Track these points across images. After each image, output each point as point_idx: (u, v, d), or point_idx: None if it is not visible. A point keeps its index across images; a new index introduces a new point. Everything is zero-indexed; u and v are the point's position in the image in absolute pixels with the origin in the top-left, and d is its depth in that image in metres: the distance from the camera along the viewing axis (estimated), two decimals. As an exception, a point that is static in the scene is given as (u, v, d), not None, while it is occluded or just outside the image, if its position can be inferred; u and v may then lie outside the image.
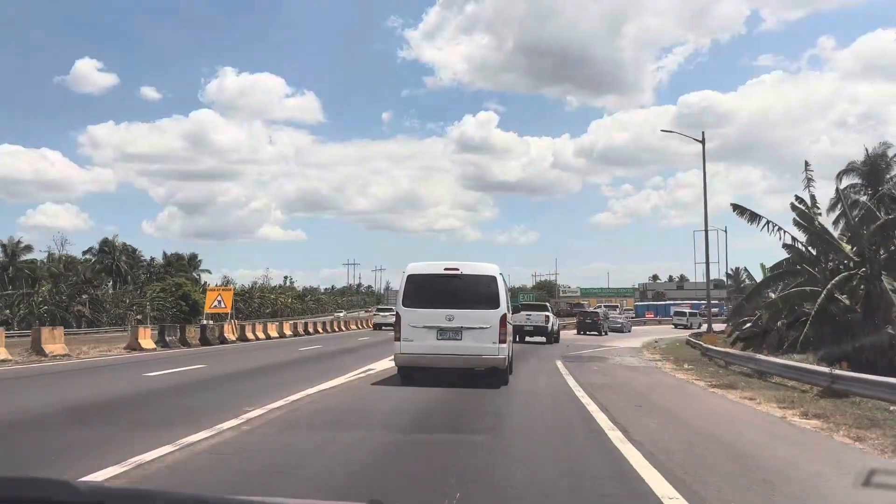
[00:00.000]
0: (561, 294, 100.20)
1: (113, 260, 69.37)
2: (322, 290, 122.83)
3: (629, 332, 47.13)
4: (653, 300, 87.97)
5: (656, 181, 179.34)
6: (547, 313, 28.70)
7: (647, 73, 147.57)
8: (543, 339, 27.35)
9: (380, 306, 55.50)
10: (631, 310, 78.88)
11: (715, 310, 79.33)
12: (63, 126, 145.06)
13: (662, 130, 53.24)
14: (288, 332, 34.46)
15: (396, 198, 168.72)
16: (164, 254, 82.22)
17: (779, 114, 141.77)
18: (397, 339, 11.12)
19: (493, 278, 11.25)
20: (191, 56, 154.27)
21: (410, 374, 11.16)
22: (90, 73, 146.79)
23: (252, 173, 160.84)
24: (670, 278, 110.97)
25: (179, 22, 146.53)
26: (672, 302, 77.34)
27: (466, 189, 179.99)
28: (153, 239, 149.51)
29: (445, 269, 11.31)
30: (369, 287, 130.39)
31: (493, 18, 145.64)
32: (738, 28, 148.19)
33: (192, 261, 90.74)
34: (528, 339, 27.37)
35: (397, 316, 11.23)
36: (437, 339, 10.84)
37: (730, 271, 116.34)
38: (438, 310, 10.82)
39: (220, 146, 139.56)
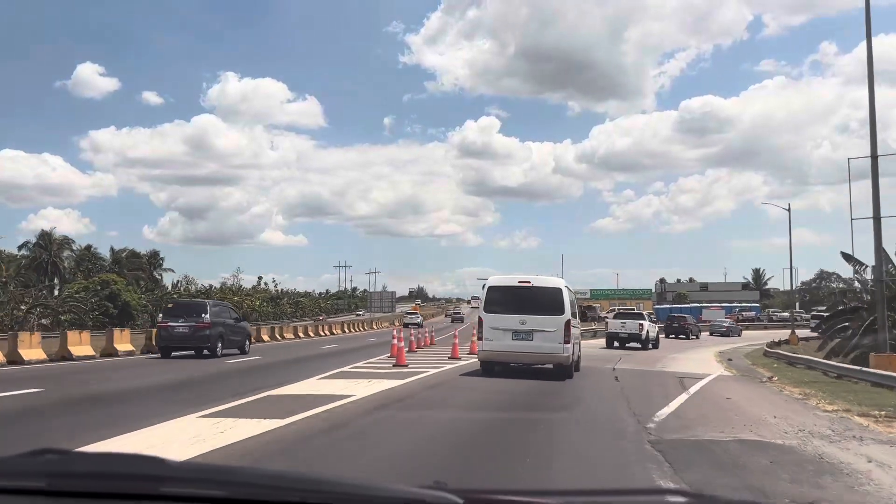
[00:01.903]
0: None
1: (50, 255, 63.60)
2: (317, 294, 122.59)
3: (738, 335, 46.23)
4: (674, 302, 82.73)
5: (658, 186, 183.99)
6: (642, 321, 30.09)
7: (649, 78, 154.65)
8: (639, 345, 29.07)
9: (407, 311, 76.66)
10: (652, 313, 73.63)
11: (751, 313, 75.41)
12: (65, 131, 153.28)
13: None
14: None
15: (398, 203, 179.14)
16: (112, 249, 76.24)
17: (781, 119, 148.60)
18: (479, 338, 14.31)
19: (560, 290, 14.08)
20: (193, 61, 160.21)
21: (492, 367, 14.15)
22: (92, 78, 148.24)
23: (253, 178, 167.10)
24: (690, 280, 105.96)
25: (181, 27, 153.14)
26: (698, 305, 72.18)
27: (468, 194, 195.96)
28: (154, 244, 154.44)
29: (519, 281, 14.32)
30: (364, 291, 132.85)
31: (494, 23, 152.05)
32: (741, 33, 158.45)
33: (154, 259, 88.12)
34: (626, 345, 29.20)
35: (479, 320, 14.31)
36: (513, 339, 13.74)
37: (744, 277, 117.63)
38: (513, 315, 13.74)
39: (222, 151, 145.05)
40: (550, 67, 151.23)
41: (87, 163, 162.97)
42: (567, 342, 13.68)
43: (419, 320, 65.41)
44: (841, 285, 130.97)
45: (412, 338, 24.49)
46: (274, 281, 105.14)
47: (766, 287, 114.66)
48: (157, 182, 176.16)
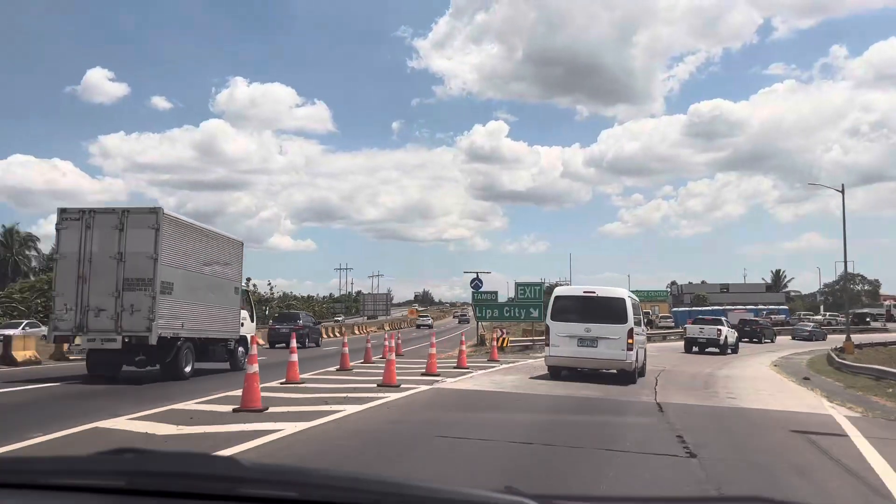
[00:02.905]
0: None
1: (11, 254, 59.33)
2: (320, 298, 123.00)
3: (823, 339, 43.86)
4: (692, 305, 78.10)
5: (667, 191, 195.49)
6: (720, 326, 30.86)
7: (657, 81, 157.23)
8: (717, 350, 29.84)
9: (421, 313, 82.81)
10: (669, 316, 69.11)
11: (781, 316, 70.72)
12: (74, 136, 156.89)
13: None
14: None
15: (406, 207, 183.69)
16: None
17: (791, 123, 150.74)
18: (547, 344, 15.53)
19: (623, 300, 15.27)
20: (201, 66, 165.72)
21: (559, 371, 15.38)
22: (101, 83, 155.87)
23: (262, 183, 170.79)
24: (703, 283, 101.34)
25: (190, 32, 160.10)
26: (720, 307, 67.58)
27: (476, 198, 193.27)
28: None
29: (584, 291, 15.78)
30: (359, 293, 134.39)
31: (502, 28, 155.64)
32: (750, 37, 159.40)
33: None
34: (705, 350, 30.13)
35: (546, 327, 15.73)
36: (578, 345, 14.95)
37: (762, 279, 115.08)
38: (579, 323, 15.00)
39: (231, 156, 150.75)
40: (559, 72, 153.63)
41: (96, 168, 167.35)
42: (630, 349, 14.68)
43: (430, 322, 70.91)
44: (866, 287, 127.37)
45: (389, 343, 20.00)
46: (269, 284, 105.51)
47: (787, 289, 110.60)
48: (165, 187, 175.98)
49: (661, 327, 61.79)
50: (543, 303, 26.14)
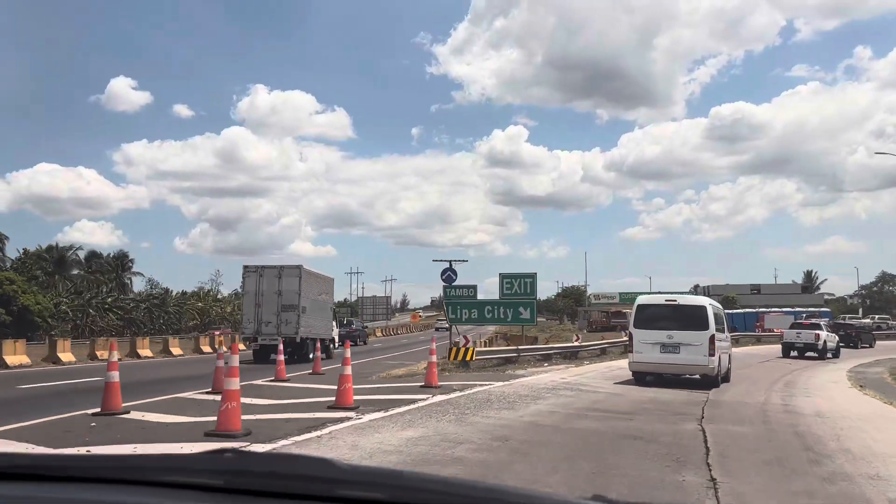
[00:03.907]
0: (592, 301, 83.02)
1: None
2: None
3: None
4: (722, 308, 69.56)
5: (688, 195, 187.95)
6: (818, 330, 30.71)
7: (678, 85, 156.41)
8: (816, 354, 29.68)
9: (440, 319, 79.47)
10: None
11: (823, 320, 62.51)
12: (98, 144, 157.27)
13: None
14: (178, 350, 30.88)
15: (425, 213, 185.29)
16: (25, 252, 66.02)
17: (814, 125, 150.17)
18: (630, 350, 16.41)
19: (704, 307, 15.83)
20: (223, 74, 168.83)
21: (643, 377, 16.01)
22: (125, 92, 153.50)
23: (283, 190, 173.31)
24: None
25: (211, 40, 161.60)
26: (753, 310, 59.63)
27: (495, 203, 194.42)
28: (185, 256, 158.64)
29: (666, 300, 16.54)
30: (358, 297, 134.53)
31: (522, 33, 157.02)
32: (773, 39, 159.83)
33: (122, 261, 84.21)
34: (805, 354, 30.08)
35: (630, 334, 16.54)
36: (661, 352, 15.61)
37: (792, 280, 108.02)
38: (661, 331, 15.63)
39: (252, 163, 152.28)
40: (578, 76, 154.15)
41: (120, 175, 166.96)
42: (712, 354, 15.20)
43: (447, 324, 67.87)
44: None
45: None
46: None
47: (819, 291, 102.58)
48: (188, 194, 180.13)
49: (629, 335, 53.13)
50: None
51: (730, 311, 64.79)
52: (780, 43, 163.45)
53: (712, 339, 15.20)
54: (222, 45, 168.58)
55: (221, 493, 1.24)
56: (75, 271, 78.69)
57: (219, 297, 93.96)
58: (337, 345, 28.63)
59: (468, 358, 17.90)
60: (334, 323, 29.24)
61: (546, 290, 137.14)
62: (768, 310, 60.44)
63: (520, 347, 21.21)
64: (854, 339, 38.60)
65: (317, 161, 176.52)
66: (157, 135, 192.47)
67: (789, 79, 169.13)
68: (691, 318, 15.55)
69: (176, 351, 30.13)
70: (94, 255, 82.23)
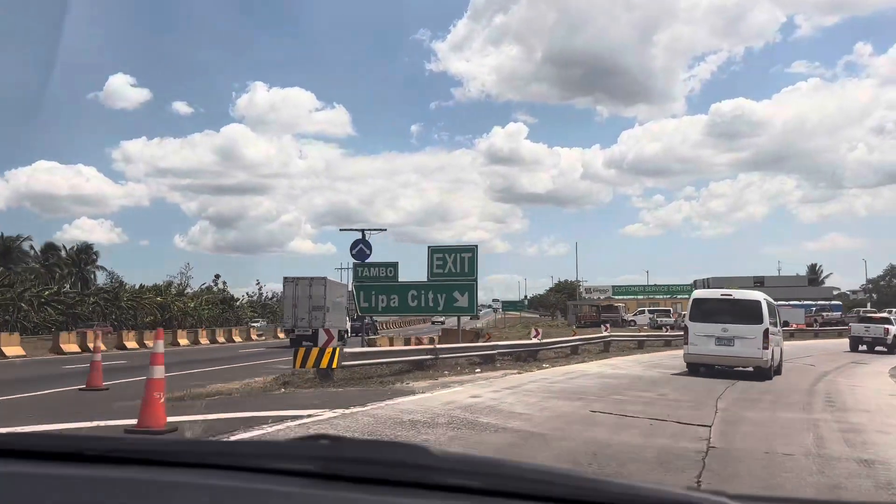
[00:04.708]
0: (584, 294, 76.99)
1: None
2: None
3: None
4: (722, 301, 63.34)
5: (688, 192, 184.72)
6: (888, 325, 30.26)
7: (678, 81, 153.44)
8: (885, 349, 29.24)
9: (434, 318, 76.91)
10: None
11: (836, 314, 56.47)
12: (98, 142, 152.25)
13: None
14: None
15: (425, 210, 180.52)
16: None
17: (814, 121, 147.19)
18: (686, 343, 16.59)
19: (759, 302, 16.11)
20: (222, 71, 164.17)
21: (697, 368, 16.22)
22: (123, 89, 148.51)
23: (282, 187, 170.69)
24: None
25: (210, 37, 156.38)
26: (757, 302, 52.17)
27: (495, 201, 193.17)
28: (185, 253, 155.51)
29: (722, 294, 17.10)
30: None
31: (521, 29, 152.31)
32: (773, 35, 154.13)
33: (85, 254, 78.77)
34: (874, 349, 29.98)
35: (685, 327, 16.90)
36: (715, 345, 15.83)
37: (797, 274, 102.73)
38: (716, 324, 15.87)
39: (251, 160, 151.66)
40: (578, 72, 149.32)
41: (119, 173, 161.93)
42: (766, 348, 15.44)
43: (443, 319, 75.13)
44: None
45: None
46: (224, 283, 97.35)
47: (824, 285, 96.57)
48: (187, 192, 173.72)
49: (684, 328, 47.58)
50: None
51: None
52: (781, 39, 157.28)
53: (766, 332, 15.52)
54: (221, 41, 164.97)
55: (317, 478, 1.23)
56: (32, 264, 74.00)
57: (186, 291, 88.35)
58: (349, 335, 35.51)
59: (333, 365, 11.45)
60: (347, 318, 37.30)
61: (543, 286, 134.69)
62: (777, 303, 54.03)
63: (437, 346, 15.02)
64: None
65: (316, 158, 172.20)
66: (156, 132, 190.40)
67: (789, 75, 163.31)
68: (746, 312, 15.89)
69: (12, 351, 23.59)
70: (51, 248, 78.60)
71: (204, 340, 38.01)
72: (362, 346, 18.28)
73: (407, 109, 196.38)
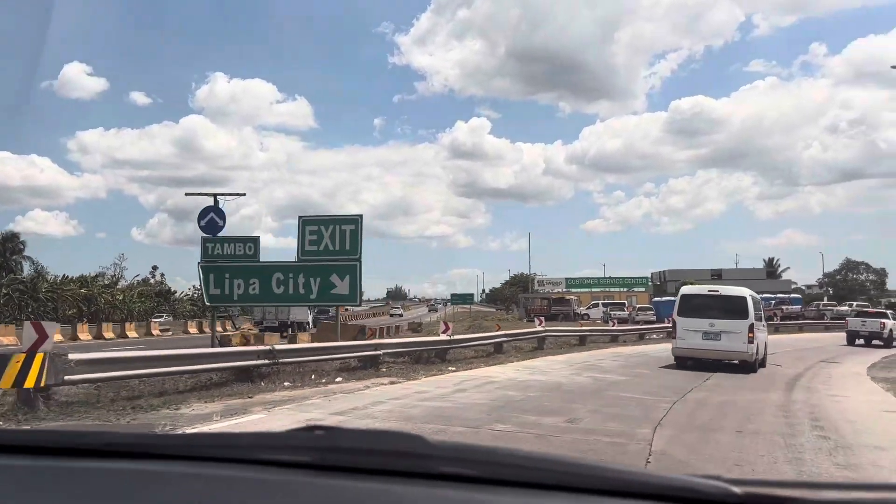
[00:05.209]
0: (537, 287, 73.61)
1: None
2: None
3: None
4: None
5: (648, 188, 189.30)
6: (884, 319, 30.62)
7: (639, 78, 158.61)
8: (882, 343, 29.28)
9: (394, 306, 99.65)
10: (649, 308, 51.89)
11: (795, 307, 53.73)
12: (52, 132, 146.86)
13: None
14: None
15: (388, 204, 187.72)
16: None
17: (771, 120, 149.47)
18: (673, 337, 16.89)
19: (744, 298, 16.36)
20: (181, 62, 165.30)
21: (685, 362, 16.40)
22: (79, 78, 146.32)
23: (243, 180, 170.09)
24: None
25: (169, 27, 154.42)
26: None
27: (458, 195, 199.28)
28: (143, 246, 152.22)
29: (709, 290, 17.64)
30: None
31: (485, 24, 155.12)
32: (732, 34, 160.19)
33: (11, 243, 73.55)
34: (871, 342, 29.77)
35: (673, 322, 17.05)
36: (702, 339, 16.12)
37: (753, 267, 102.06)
38: (703, 319, 16.11)
39: (211, 152, 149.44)
40: (541, 68, 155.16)
41: (74, 164, 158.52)
42: (751, 342, 15.71)
43: (401, 312, 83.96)
44: (871, 276, 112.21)
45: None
46: (162, 275, 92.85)
47: (781, 278, 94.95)
48: (145, 183, 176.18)
49: (638, 322, 44.57)
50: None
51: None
52: (739, 38, 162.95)
53: (752, 327, 15.85)
54: (181, 31, 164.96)
55: (313, 469, 1.23)
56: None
57: (119, 283, 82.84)
58: (309, 326, 37.40)
59: (42, 383, 6.89)
60: (308, 311, 39.28)
61: (503, 280, 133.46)
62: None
63: (278, 348, 10.73)
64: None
65: (278, 151, 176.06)
66: (113, 122, 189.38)
67: (747, 74, 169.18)
68: (732, 308, 16.15)
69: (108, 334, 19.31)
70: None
71: (109, 334, 34.65)
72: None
73: (370, 103, 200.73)
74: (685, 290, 17.85)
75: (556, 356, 19.12)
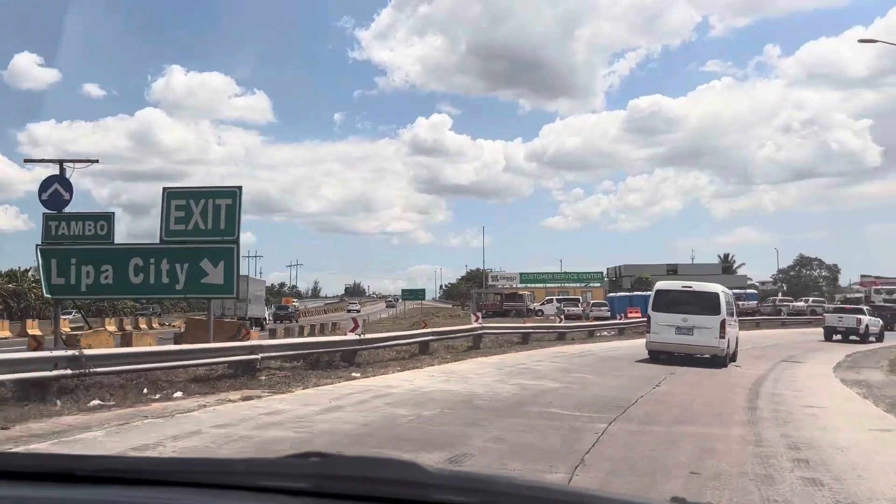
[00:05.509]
0: (490, 282, 71.54)
1: None
2: None
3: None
4: (633, 289, 59.20)
5: (607, 186, 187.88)
6: (860, 315, 30.96)
7: (599, 77, 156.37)
8: (858, 338, 29.61)
9: (351, 301, 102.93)
10: (603, 303, 50.08)
11: (752, 303, 52.44)
12: (2, 124, 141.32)
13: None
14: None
15: (348, 200, 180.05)
16: None
17: (727, 119, 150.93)
18: (648, 332, 17.12)
19: (717, 294, 16.67)
20: (136, 53, 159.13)
21: (658, 356, 16.45)
22: (30, 69, 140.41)
23: (200, 174, 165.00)
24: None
25: (125, 18, 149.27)
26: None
27: (419, 192, 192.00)
28: None
29: (682, 286, 17.44)
30: (294, 287, 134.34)
31: (446, 20, 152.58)
32: (689, 34, 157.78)
33: None
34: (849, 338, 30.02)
35: (648, 317, 17.39)
36: (676, 334, 16.29)
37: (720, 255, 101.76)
38: (677, 314, 16.36)
39: (167, 146, 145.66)
40: (502, 65, 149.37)
41: (25, 157, 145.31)
42: (722, 337, 15.85)
43: (358, 307, 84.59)
44: (824, 272, 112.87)
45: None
46: None
47: (737, 274, 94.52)
48: (99, 177, 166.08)
49: (593, 318, 42.54)
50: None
51: (644, 294, 54.05)
52: (696, 39, 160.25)
53: (723, 323, 15.98)
54: (136, 22, 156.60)
55: (309, 496, 1.22)
56: None
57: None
58: (267, 321, 39.39)
59: None
60: (266, 307, 41.06)
61: (460, 276, 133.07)
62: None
63: (87, 353, 7.88)
64: (890, 321, 36.80)
65: (236, 145, 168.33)
66: (66, 115, 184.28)
67: (704, 74, 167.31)
68: (705, 304, 16.33)
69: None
70: None
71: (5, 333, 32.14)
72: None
73: (330, 97, 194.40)
74: (659, 285, 17.92)
75: (490, 357, 16.69)
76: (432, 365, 14.08)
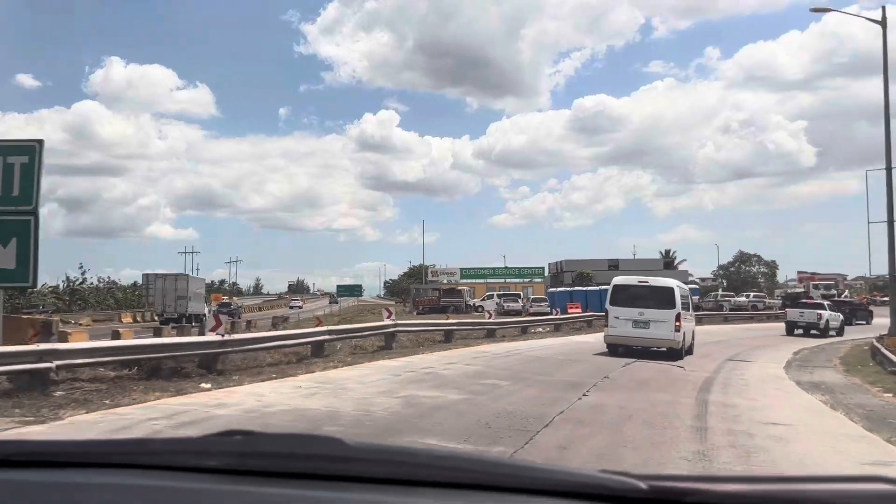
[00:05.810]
0: (431, 277, 69.26)
1: None
2: None
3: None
4: (574, 284, 57.75)
5: (552, 184, 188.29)
6: (820, 310, 31.36)
7: (544, 76, 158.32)
8: (819, 333, 29.94)
9: (293, 298, 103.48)
10: (543, 299, 48.32)
11: (695, 298, 51.29)
12: None
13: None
14: None
15: (294, 196, 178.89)
16: None
17: (669, 119, 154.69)
18: (606, 325, 17.34)
19: (672, 288, 16.95)
20: (74, 44, 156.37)
21: (616, 349, 16.98)
22: None
23: (140, 169, 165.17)
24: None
25: (62, 7, 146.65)
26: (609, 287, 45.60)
27: (366, 188, 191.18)
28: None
29: (639, 281, 17.76)
30: (234, 284, 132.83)
31: (393, 16, 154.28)
32: (633, 35, 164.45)
33: None
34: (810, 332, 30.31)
35: (606, 311, 17.42)
36: (633, 327, 16.68)
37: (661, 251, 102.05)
38: (634, 308, 16.63)
39: (106, 140, 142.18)
40: (449, 62, 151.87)
41: None
42: (678, 331, 16.23)
43: (301, 305, 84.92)
44: (762, 269, 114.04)
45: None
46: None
47: (678, 270, 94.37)
48: None
49: (532, 314, 40.48)
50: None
51: (584, 289, 52.29)
52: (640, 40, 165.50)
53: (678, 316, 16.28)
54: (73, 11, 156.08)
55: (232, 474, 1.18)
56: None
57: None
58: (207, 318, 41.92)
59: None
60: (206, 305, 42.43)
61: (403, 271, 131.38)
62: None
63: None
64: (849, 315, 36.85)
65: (177, 139, 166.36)
66: None
67: (647, 74, 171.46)
68: (661, 298, 16.55)
69: None
70: None
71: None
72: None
73: (275, 92, 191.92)
74: (616, 280, 18.26)
75: (396, 360, 14.15)
76: (313, 372, 11.48)
